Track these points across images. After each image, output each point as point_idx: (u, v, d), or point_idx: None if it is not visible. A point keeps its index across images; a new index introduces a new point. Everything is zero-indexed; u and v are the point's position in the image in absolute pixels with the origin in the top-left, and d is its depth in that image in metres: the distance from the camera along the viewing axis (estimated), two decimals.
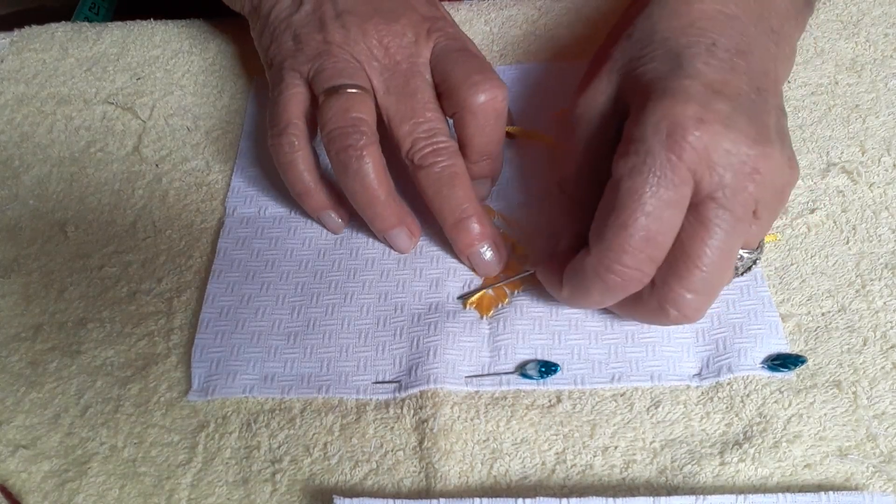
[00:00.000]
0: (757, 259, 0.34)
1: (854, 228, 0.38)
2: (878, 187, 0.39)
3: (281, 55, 0.39)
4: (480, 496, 0.30)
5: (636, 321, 0.35)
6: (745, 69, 0.32)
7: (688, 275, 0.30)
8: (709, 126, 0.29)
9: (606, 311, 0.36)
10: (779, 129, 0.31)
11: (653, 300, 0.31)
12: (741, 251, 0.32)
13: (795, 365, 0.33)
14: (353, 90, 0.36)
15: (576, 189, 0.34)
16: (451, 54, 0.38)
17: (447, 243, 0.38)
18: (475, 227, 0.36)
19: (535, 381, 0.34)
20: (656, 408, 0.33)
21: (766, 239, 0.38)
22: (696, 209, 0.30)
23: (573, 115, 0.35)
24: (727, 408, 0.33)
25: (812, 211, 0.39)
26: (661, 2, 0.34)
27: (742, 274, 0.34)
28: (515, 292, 0.37)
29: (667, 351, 0.35)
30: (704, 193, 0.29)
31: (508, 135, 0.41)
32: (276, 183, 0.41)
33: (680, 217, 0.30)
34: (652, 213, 0.29)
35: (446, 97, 0.38)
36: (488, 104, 0.37)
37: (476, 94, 0.36)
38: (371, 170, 0.35)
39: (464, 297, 0.37)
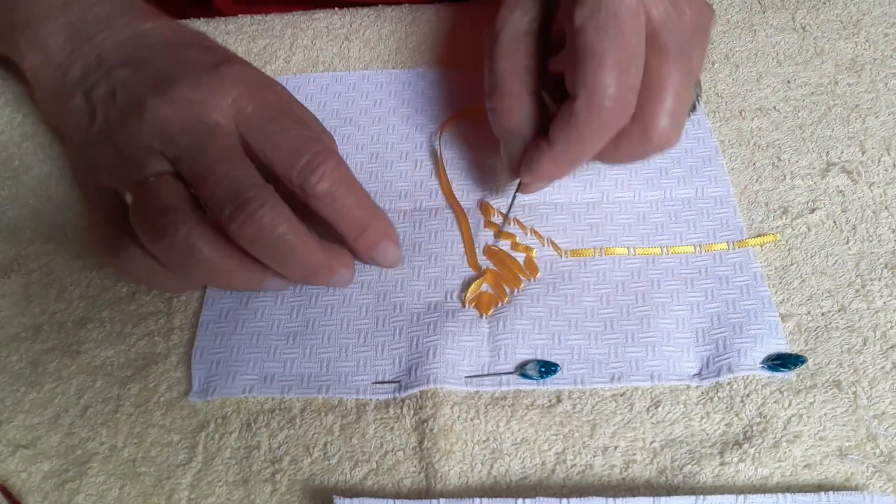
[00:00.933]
0: (699, 94, 0.40)
1: (854, 228, 0.38)
2: (878, 187, 0.39)
3: (85, 178, 0.38)
4: (480, 496, 0.30)
5: (621, 161, 0.37)
6: None
7: (664, 97, 0.33)
8: None
9: (606, 310, 0.36)
10: None
11: (635, 129, 0.34)
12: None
13: (795, 365, 0.33)
14: (152, 178, 0.34)
15: (515, 99, 0.36)
16: (261, 123, 0.35)
17: (444, 243, 0.38)
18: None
19: (534, 382, 0.34)
20: (656, 408, 0.33)
21: (766, 239, 0.38)
22: (653, 39, 0.33)
23: (488, 35, 0.37)
24: (727, 408, 0.33)
25: (812, 211, 0.39)
26: None
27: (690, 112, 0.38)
28: (515, 291, 0.37)
29: (667, 351, 0.35)
30: (657, 23, 0.33)
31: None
32: None
33: (643, 45, 0.33)
34: (622, 45, 0.32)
35: (278, 178, 0.34)
36: (325, 194, 0.34)
37: (311, 190, 0.34)
38: (205, 249, 0.33)
39: (463, 294, 0.37)
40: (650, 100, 0.34)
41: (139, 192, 0.34)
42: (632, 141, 0.34)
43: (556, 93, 0.37)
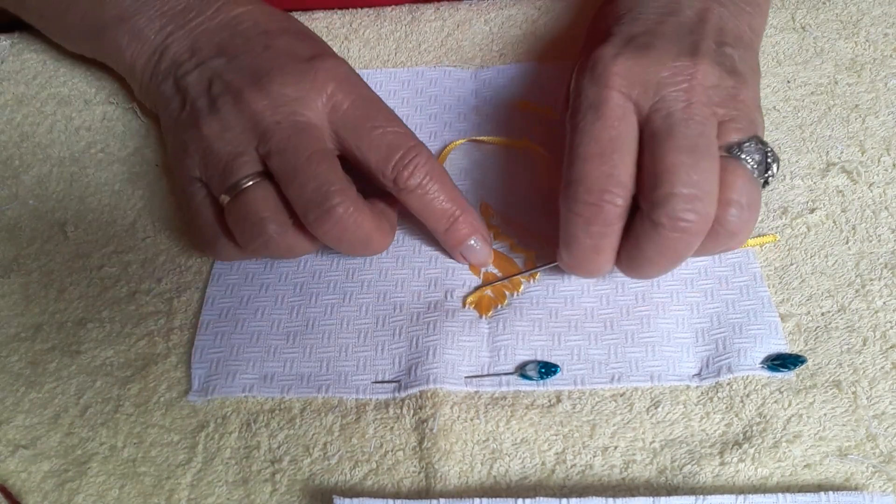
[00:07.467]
0: (768, 151, 0.32)
1: (854, 228, 0.38)
2: (878, 187, 0.39)
3: (177, 164, 0.38)
4: (480, 496, 0.30)
5: (703, 254, 0.34)
6: (672, 22, 0.35)
7: (735, 197, 0.31)
8: (627, 55, 0.32)
9: (606, 311, 0.36)
10: (719, 52, 0.34)
11: (720, 230, 0.31)
12: (740, 142, 0.32)
13: (795, 365, 0.33)
14: (247, 183, 0.34)
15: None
16: (356, 121, 0.35)
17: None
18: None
19: (534, 383, 0.34)
20: (656, 408, 0.33)
21: (766, 240, 0.38)
22: (648, 125, 0.31)
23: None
24: (727, 408, 0.33)
25: (812, 211, 0.39)
26: None
27: (763, 171, 0.32)
28: (515, 294, 0.37)
29: (666, 351, 0.35)
30: (648, 110, 0.32)
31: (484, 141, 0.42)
32: None
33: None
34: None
35: (369, 172, 0.36)
36: (417, 187, 0.35)
37: (403, 184, 0.35)
38: (299, 247, 0.35)
39: (465, 297, 0.37)
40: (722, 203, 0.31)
41: (234, 197, 0.34)
42: (716, 240, 0.32)
43: None
